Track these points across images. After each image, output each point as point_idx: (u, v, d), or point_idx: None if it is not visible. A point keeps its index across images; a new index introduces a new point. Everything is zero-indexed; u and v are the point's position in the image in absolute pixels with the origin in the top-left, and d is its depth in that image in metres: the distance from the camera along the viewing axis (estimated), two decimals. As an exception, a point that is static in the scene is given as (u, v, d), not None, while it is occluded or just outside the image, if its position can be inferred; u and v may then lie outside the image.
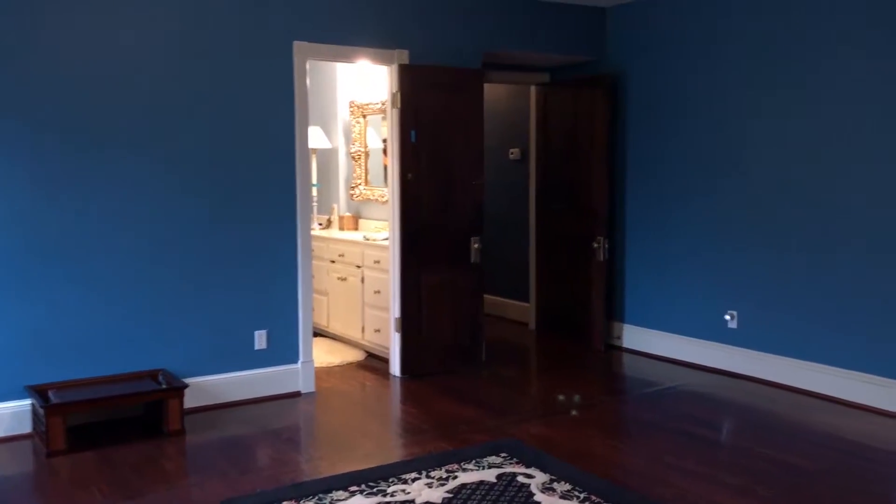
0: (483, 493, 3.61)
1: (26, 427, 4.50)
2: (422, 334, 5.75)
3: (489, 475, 3.81)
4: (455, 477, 3.79)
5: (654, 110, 6.26)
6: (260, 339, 5.18)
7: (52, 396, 4.38)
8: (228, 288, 5.05)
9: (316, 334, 6.31)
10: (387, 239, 6.02)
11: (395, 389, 5.53)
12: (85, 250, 4.61)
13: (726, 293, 5.77)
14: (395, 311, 5.74)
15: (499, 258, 7.45)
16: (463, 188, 5.82)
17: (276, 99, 5.16)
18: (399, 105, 5.59)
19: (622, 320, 6.63)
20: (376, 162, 7.30)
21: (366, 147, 7.40)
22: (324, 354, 6.27)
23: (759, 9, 5.45)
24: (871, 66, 4.82)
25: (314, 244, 6.54)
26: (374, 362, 6.17)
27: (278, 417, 4.90)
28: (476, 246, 5.84)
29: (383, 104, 6.91)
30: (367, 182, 7.37)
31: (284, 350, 5.28)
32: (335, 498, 3.57)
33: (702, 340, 5.95)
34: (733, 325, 5.72)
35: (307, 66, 5.29)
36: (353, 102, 7.48)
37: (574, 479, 3.74)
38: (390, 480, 3.76)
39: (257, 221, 5.13)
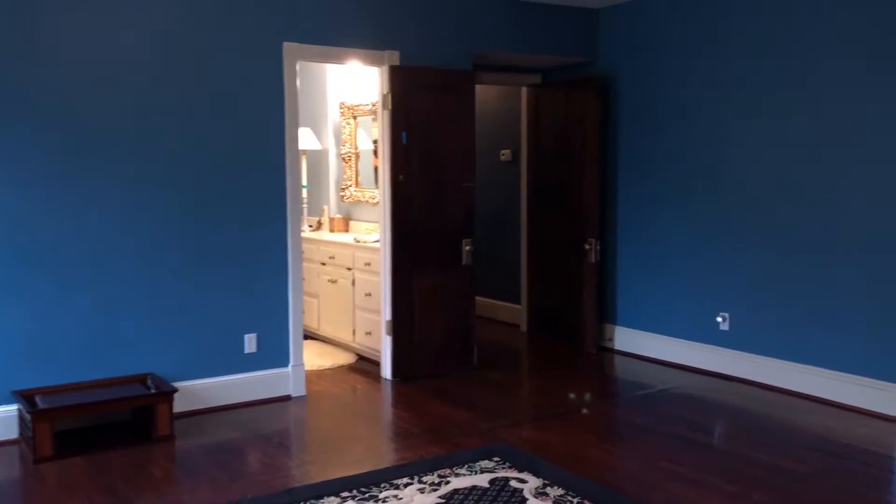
0: (476, 498, 3.58)
1: (13, 433, 4.44)
2: (413, 337, 5.72)
3: (482, 480, 3.78)
4: (447, 482, 3.76)
5: (646, 111, 6.25)
6: (250, 343, 5.14)
7: (39, 401, 4.32)
8: (218, 291, 5.01)
9: (306, 337, 6.27)
10: (378, 241, 5.99)
11: (387, 393, 5.50)
12: (72, 253, 4.56)
13: (718, 295, 5.76)
14: (387, 313, 5.70)
15: (490, 260, 7.42)
16: (454, 190, 5.78)
17: (267, 100, 5.11)
18: (390, 106, 5.55)
19: (614, 322, 6.61)
20: (367, 163, 7.26)
21: (356, 148, 7.36)
22: (314, 357, 6.22)
23: (751, 10, 5.44)
24: (869, 67, 4.81)
25: (304, 246, 6.50)
26: (365, 365, 6.14)
27: (269, 422, 4.86)
28: (467, 248, 5.81)
29: (374, 105, 6.87)
30: (357, 184, 7.34)
31: (275, 353, 5.24)
32: (326, 504, 3.54)
33: (694, 342, 5.94)
34: (725, 326, 5.72)
35: (297, 67, 5.24)
36: (343, 103, 7.44)
37: (567, 484, 3.72)
38: (382, 486, 3.72)
39: (247, 223, 5.09)
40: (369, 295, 6.09)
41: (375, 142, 6.89)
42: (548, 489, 3.66)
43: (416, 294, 5.70)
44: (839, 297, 5.00)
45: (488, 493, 3.63)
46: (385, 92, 5.58)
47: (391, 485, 3.73)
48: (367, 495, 3.62)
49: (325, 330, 6.82)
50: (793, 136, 5.22)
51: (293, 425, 4.92)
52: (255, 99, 5.07)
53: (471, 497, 3.59)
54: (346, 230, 7.24)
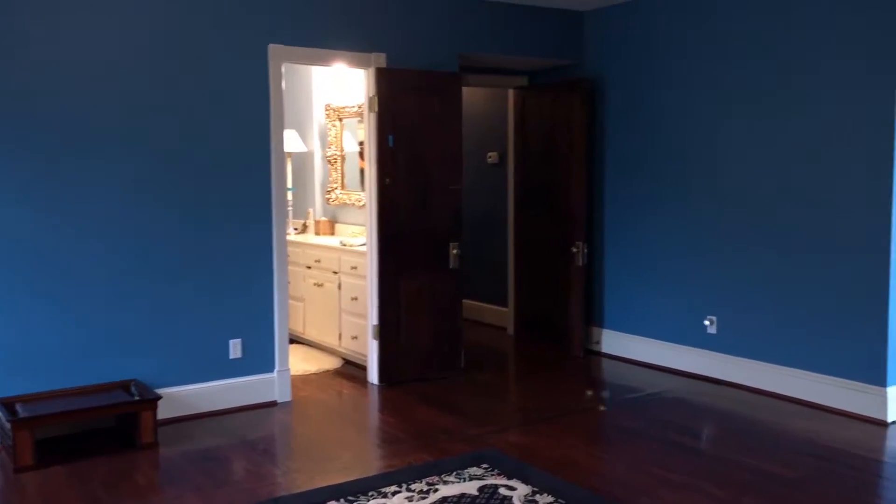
0: (465, 506, 3.55)
1: (-7, 441, 4.37)
2: (400, 341, 5.68)
3: (471, 487, 3.74)
4: (436, 490, 3.72)
5: (632, 114, 6.24)
6: (235, 348, 5.08)
7: (20, 409, 4.24)
8: (202, 295, 4.95)
9: (291, 341, 6.21)
10: (364, 244, 5.94)
11: (373, 398, 5.45)
12: (52, 258, 4.48)
13: (705, 298, 5.75)
14: (373, 317, 5.66)
15: (477, 262, 7.40)
16: (441, 193, 5.75)
17: (252, 103, 5.06)
18: (376, 109, 5.51)
19: (601, 325, 6.60)
20: (353, 166, 7.22)
21: (342, 151, 7.31)
22: (300, 362, 6.17)
23: (738, 13, 5.44)
24: (852, 69, 4.82)
25: (290, 249, 6.45)
26: (352, 370, 6.09)
27: (254, 428, 4.80)
28: (455, 251, 5.78)
29: (360, 107, 6.83)
30: (343, 186, 7.29)
31: (260, 359, 5.18)
32: (313, 513, 3.50)
33: (681, 346, 5.93)
34: (712, 330, 5.71)
35: (282, 69, 5.19)
36: (328, 105, 7.39)
37: (556, 491, 3.69)
38: (370, 494, 3.68)
39: (231, 227, 5.03)
40: (355, 299, 6.04)
41: (361, 144, 6.86)
42: (537, 496, 3.63)
43: (402, 298, 5.66)
44: (826, 301, 5.00)
45: (477, 501, 3.60)
46: (371, 94, 5.53)
47: (379, 493, 3.69)
48: (354, 504, 3.58)
49: (311, 334, 6.76)
50: (781, 138, 5.21)
51: (279, 432, 4.87)
52: (240, 101, 5.02)
53: (459, 505, 3.56)
54: (332, 233, 7.18)
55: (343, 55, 5.41)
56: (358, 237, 6.48)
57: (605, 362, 6.37)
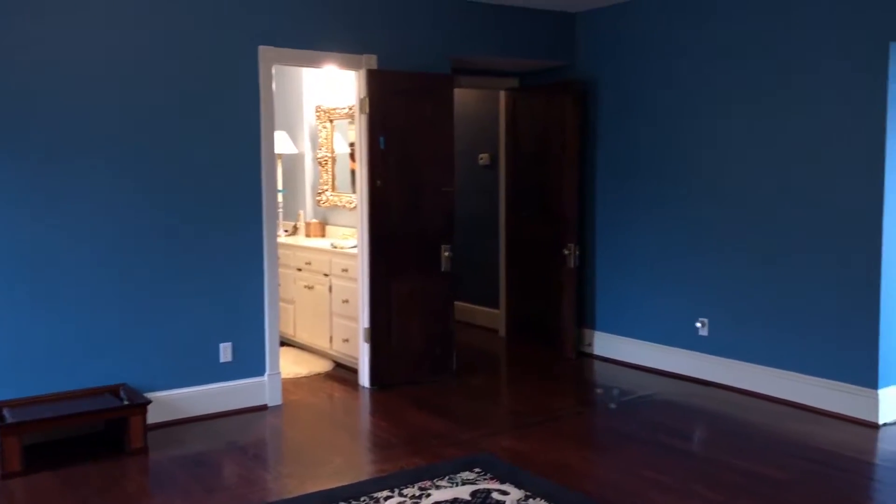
0: (457, 511, 3.53)
1: (-20, 447, 4.32)
2: (391, 344, 5.65)
3: (463, 492, 3.72)
4: (428, 494, 3.70)
5: (624, 115, 6.23)
6: (225, 352, 5.05)
7: (7, 415, 4.20)
8: (192, 299, 4.91)
9: (282, 343, 6.17)
10: (355, 247, 5.91)
11: (365, 401, 5.43)
12: (40, 262, 4.44)
13: (697, 300, 5.75)
14: (364, 320, 5.63)
15: (468, 264, 7.38)
16: (433, 195, 5.73)
17: (242, 104, 5.02)
18: (367, 111, 5.48)
19: (593, 327, 6.59)
20: (343, 167, 7.18)
21: (333, 152, 7.28)
22: (291, 365, 6.13)
23: (729, 15, 5.44)
24: (843, 74, 4.83)
25: (280, 252, 6.40)
26: (343, 373, 6.06)
27: (245, 432, 4.77)
28: (447, 254, 5.75)
29: (351, 109, 6.80)
30: (334, 188, 7.25)
31: (250, 362, 5.14)
32: (305, 519, 3.47)
33: (673, 348, 5.93)
34: (704, 332, 5.71)
35: (273, 71, 5.16)
36: (319, 107, 7.36)
37: (550, 495, 3.67)
38: (362, 499, 3.66)
39: (222, 230, 4.99)
40: (347, 301, 6.01)
41: (352, 145, 6.82)
42: (530, 501, 3.62)
43: (394, 300, 5.64)
44: (817, 303, 5.00)
45: (470, 505, 3.59)
46: (362, 96, 5.51)
47: (371, 498, 3.67)
48: (346, 509, 3.55)
49: (302, 337, 6.73)
50: (772, 139, 5.22)
51: (270, 436, 4.84)
52: (231, 103, 4.98)
53: (452, 510, 3.54)
54: (323, 235, 7.15)
55: (334, 57, 5.39)
56: (349, 239, 6.45)
57: (598, 364, 6.36)
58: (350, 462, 4.31)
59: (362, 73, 5.49)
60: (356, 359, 5.82)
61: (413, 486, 3.80)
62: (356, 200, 5.76)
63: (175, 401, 4.85)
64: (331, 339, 6.29)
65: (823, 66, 4.91)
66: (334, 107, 7.16)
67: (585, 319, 6.63)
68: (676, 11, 5.79)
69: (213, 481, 4.00)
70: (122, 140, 4.63)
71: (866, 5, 4.68)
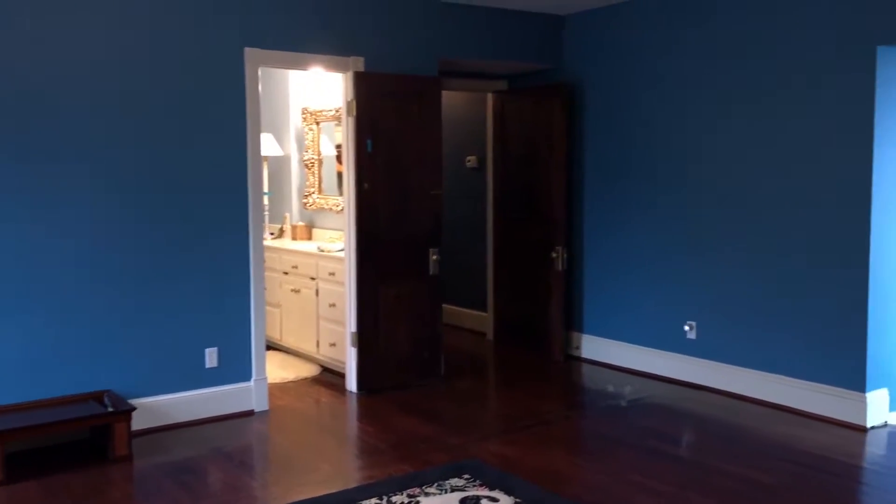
0: (447, 519, 3.50)
1: (-39, 455, 4.24)
2: (379, 349, 5.61)
3: (452, 500, 3.69)
4: (417, 502, 3.67)
5: (612, 118, 6.22)
6: (211, 357, 4.99)
7: (-11, 423, 4.14)
8: (177, 303, 4.85)
9: (268, 347, 6.11)
10: (342, 250, 5.87)
11: (352, 406, 5.38)
12: (23, 266, 4.37)
13: (685, 304, 5.74)
14: (352, 325, 5.59)
15: (456, 267, 7.34)
16: (421, 198, 5.69)
17: (228, 107, 4.97)
18: (355, 113, 5.44)
19: (581, 330, 6.57)
20: (330, 170, 7.14)
21: (319, 155, 7.23)
22: (277, 369, 6.08)
23: (718, 18, 5.44)
24: (832, 78, 4.83)
25: (266, 255, 6.36)
26: (330, 377, 6.01)
27: (231, 438, 4.71)
28: (435, 257, 5.72)
29: (337, 111, 6.76)
30: (320, 191, 7.21)
31: (236, 367, 5.09)
32: (293, 528, 3.43)
33: (661, 351, 5.92)
34: (692, 335, 5.70)
35: (259, 73, 5.11)
36: (305, 109, 7.31)
37: (539, 502, 3.65)
38: (350, 507, 3.62)
39: (208, 233, 4.94)
40: (333, 305, 5.97)
41: (339, 147, 6.78)
42: (520, 508, 3.59)
43: (381, 304, 5.60)
44: (806, 306, 5.00)
45: (459, 513, 3.55)
46: (350, 98, 5.47)
47: (359, 506, 3.63)
48: (334, 518, 3.51)
49: (288, 341, 6.68)
50: (761, 143, 5.22)
51: (256, 442, 4.79)
52: (216, 105, 4.93)
53: (441, 518, 3.51)
54: (310, 238, 7.10)
55: (321, 59, 5.34)
56: (336, 242, 6.41)
57: (586, 367, 6.34)
58: (337, 469, 4.27)
59: (349, 75, 5.45)
60: (343, 363, 5.78)
61: (401, 494, 3.76)
62: (343, 203, 5.71)
63: (160, 407, 4.79)
64: (317, 343, 6.24)
65: (813, 70, 4.91)
66: (321, 109, 7.11)
67: (573, 322, 6.61)
68: (665, 14, 5.78)
69: (198, 489, 3.95)
70: (106, 142, 4.57)
71: (854, 9, 4.68)
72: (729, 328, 5.46)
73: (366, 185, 5.48)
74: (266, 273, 6.10)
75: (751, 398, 5.31)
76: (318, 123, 7.21)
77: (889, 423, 4.84)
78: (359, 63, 5.46)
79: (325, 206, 7.05)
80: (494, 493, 3.75)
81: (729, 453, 4.38)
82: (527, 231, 6.69)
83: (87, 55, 4.50)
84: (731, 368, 5.45)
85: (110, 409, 4.38)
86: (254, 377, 5.14)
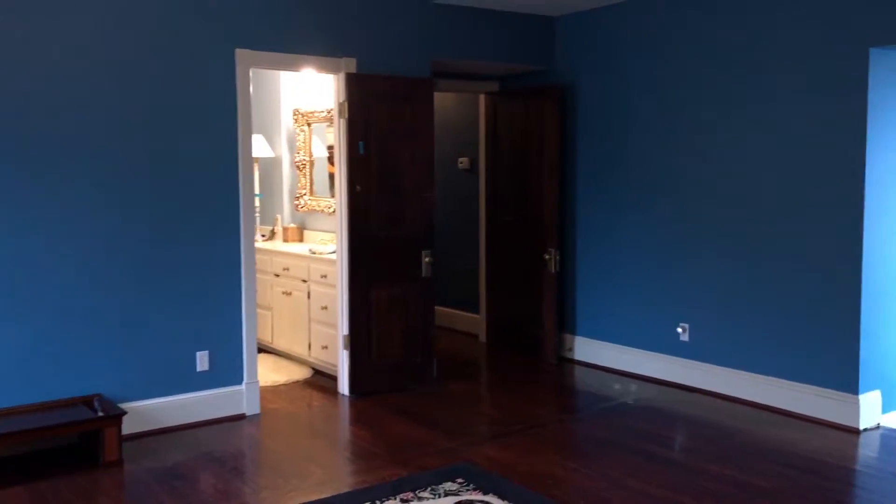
0: (441, 524, 3.48)
1: (-52, 461, 4.20)
2: (371, 351, 5.58)
3: (446, 504, 3.67)
4: (411, 507, 3.65)
5: (604, 120, 6.21)
6: (202, 360, 4.95)
7: (-23, 428, 4.09)
8: (168, 306, 4.81)
9: (259, 350, 6.08)
10: (334, 252, 5.84)
11: (344, 410, 5.35)
12: (11, 270, 4.32)
13: (678, 305, 5.73)
14: (344, 327, 5.56)
15: (448, 269, 7.32)
16: (413, 200, 5.67)
17: (218, 109, 4.94)
18: (346, 115, 5.41)
19: (574, 332, 6.56)
20: (322, 171, 7.10)
21: (311, 156, 7.20)
22: (269, 372, 6.05)
23: (710, 19, 5.43)
24: (825, 80, 4.83)
25: (257, 257, 6.32)
26: (322, 380, 5.98)
27: (222, 443, 4.68)
28: (427, 260, 5.70)
29: (329, 112, 6.73)
30: (312, 192, 7.17)
31: (228, 371, 5.06)
32: (285, 534, 3.40)
33: (654, 353, 5.91)
34: (685, 337, 5.69)
35: (250, 74, 5.08)
36: (297, 110, 7.27)
37: (534, 507, 3.63)
38: (343, 513, 3.59)
39: (198, 236, 4.90)
40: (325, 308, 5.94)
41: (330, 148, 6.75)
42: (514, 513, 3.57)
43: (374, 307, 5.57)
44: (799, 308, 5.00)
45: (453, 518, 3.53)
46: (342, 100, 5.44)
47: (352, 511, 3.61)
48: (327, 524, 3.49)
49: (279, 343, 6.64)
50: (754, 144, 5.21)
51: (248, 447, 4.75)
52: (207, 107, 4.89)
53: (435, 523, 3.48)
54: (301, 240, 7.07)
55: (312, 60, 5.31)
56: (328, 244, 6.38)
57: (579, 370, 6.33)
58: (330, 473, 4.24)
59: (341, 76, 5.42)
60: (335, 366, 5.74)
61: (395, 498, 3.74)
62: (335, 205, 5.68)
63: (151, 411, 4.75)
64: (309, 345, 6.21)
65: (806, 71, 4.91)
66: (312, 110, 7.08)
67: (566, 324, 6.60)
68: (656, 16, 5.78)
69: (190, 494, 3.91)
70: (96, 146, 4.53)
71: (847, 11, 4.68)
72: (722, 330, 5.45)
73: (358, 187, 5.45)
74: (257, 275, 6.06)
75: (744, 400, 5.31)
76: (309, 125, 7.17)
77: (882, 425, 4.85)
78: (351, 64, 5.43)
79: (317, 208, 7.01)
80: (488, 498, 3.73)
81: (722, 456, 4.37)
82: (519, 233, 6.67)
83: (77, 56, 4.45)
84: (724, 370, 5.45)
85: (100, 414, 4.34)
86: (245, 380, 5.11)
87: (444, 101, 7.43)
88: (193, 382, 4.93)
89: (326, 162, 7.00)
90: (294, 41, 5.21)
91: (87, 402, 4.50)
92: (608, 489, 3.92)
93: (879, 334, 4.84)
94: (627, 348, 6.11)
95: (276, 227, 7.35)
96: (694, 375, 5.63)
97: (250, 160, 5.10)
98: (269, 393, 5.59)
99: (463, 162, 7.47)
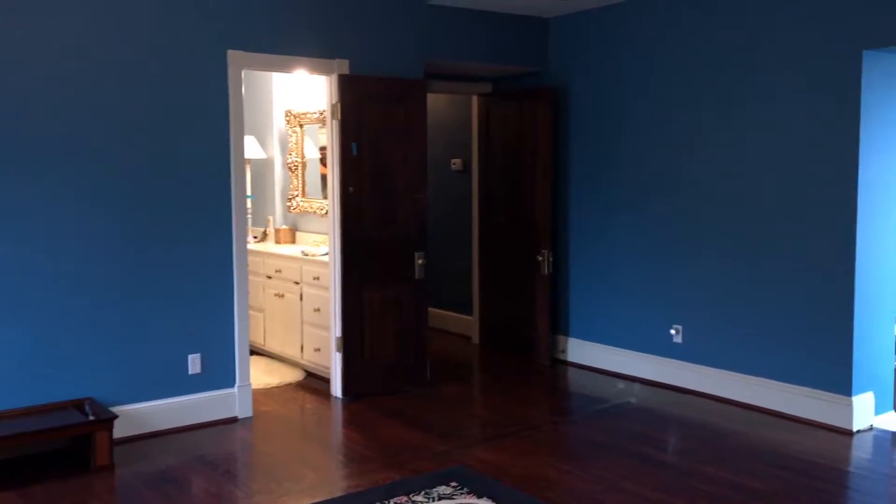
0: (435, 528, 3.46)
1: (-63, 466, 4.16)
2: (364, 354, 5.56)
3: (440, 508, 3.66)
4: (405, 511, 3.63)
5: (597, 121, 6.21)
6: (194, 363, 4.92)
7: (-33, 432, 4.05)
8: (160, 309, 4.78)
9: (251, 352, 6.04)
10: (326, 254, 5.82)
11: (337, 412, 5.33)
12: (0, 273, 4.29)
13: (671, 307, 5.73)
14: (336, 330, 5.53)
15: (441, 270, 7.30)
16: (406, 201, 5.65)
17: (211, 110, 4.91)
18: (339, 116, 5.39)
19: (567, 334, 6.55)
20: (314, 173, 7.08)
21: (303, 157, 7.17)
22: (261, 375, 6.02)
23: (703, 21, 5.43)
24: (818, 82, 4.84)
25: (249, 259, 6.27)
26: (315, 382, 5.95)
27: (215, 446, 4.65)
28: (420, 262, 5.68)
29: (321, 113, 6.71)
30: (304, 194, 7.15)
31: (220, 374, 5.03)
32: (278, 539, 3.38)
33: (647, 355, 5.91)
34: (678, 339, 5.69)
35: (242, 75, 5.05)
36: (289, 111, 7.25)
37: (528, 510, 3.62)
38: (337, 517, 3.58)
39: (190, 238, 4.87)
40: (318, 310, 5.91)
41: (323, 150, 6.74)
42: (508, 517, 3.56)
43: (366, 309, 5.55)
44: (792, 310, 5.00)
45: (447, 522, 3.52)
46: (334, 101, 5.42)
47: (346, 516, 3.59)
48: (321, 528, 3.47)
49: (272, 345, 6.61)
50: (749, 146, 5.21)
51: (240, 450, 4.72)
52: (199, 108, 4.86)
53: (429, 527, 3.47)
54: (293, 241, 7.04)
55: (305, 62, 5.29)
56: (320, 246, 6.35)
57: (572, 371, 6.32)
58: (323, 477, 4.21)
59: (334, 77, 5.40)
60: (328, 368, 5.72)
61: (388, 502, 3.72)
62: (327, 206, 5.66)
63: (142, 414, 4.72)
64: (302, 348, 6.18)
65: (799, 74, 4.91)
66: (304, 111, 7.05)
67: (559, 326, 6.59)
68: (649, 18, 5.77)
69: (182, 499, 3.89)
70: (86, 147, 4.50)
71: (840, 14, 4.69)
72: (715, 332, 5.45)
73: (351, 189, 5.43)
74: (249, 277, 6.02)
75: (737, 402, 5.31)
76: (301, 126, 7.15)
77: (875, 426, 4.85)
78: (343, 65, 5.41)
79: (309, 210, 6.99)
80: (482, 501, 3.72)
81: (716, 458, 4.37)
82: (512, 234, 6.66)
83: (63, 58, 4.42)
84: (717, 372, 5.45)
85: (91, 418, 4.30)
86: (237, 383, 5.08)
87: (436, 102, 7.42)
88: (185, 385, 4.90)
89: (318, 163, 6.98)
90: (287, 42, 5.18)
91: (78, 405, 4.46)
92: (603, 492, 3.92)
93: (873, 336, 4.85)
94: (621, 350, 6.10)
95: (268, 229, 7.32)
96: (687, 377, 5.63)
97: (242, 161, 5.08)
98: (261, 395, 5.56)
99: (456, 163, 7.46)
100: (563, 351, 6.56)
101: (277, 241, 7.06)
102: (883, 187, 4.82)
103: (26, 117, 4.32)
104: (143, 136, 4.68)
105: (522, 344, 6.63)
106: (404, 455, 4.42)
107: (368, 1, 5.50)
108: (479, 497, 3.77)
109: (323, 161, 6.87)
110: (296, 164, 7.19)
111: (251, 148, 7.09)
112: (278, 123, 7.38)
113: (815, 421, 4.90)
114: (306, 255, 6.14)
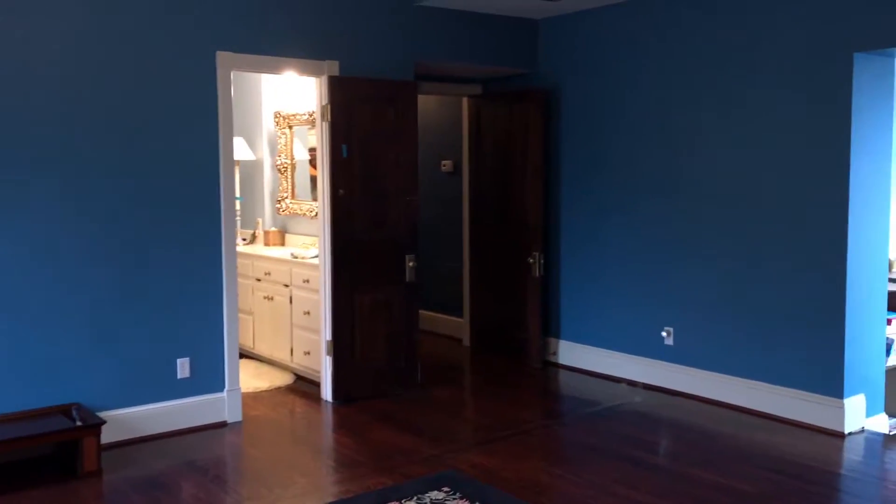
0: (427, 534, 3.43)
1: (-78, 472, 4.11)
2: (354, 357, 5.53)
3: (432, 514, 3.63)
4: (396, 517, 3.60)
5: (588, 123, 6.19)
6: (183, 367, 4.88)
7: (-49, 439, 3.99)
8: (148, 313, 4.73)
9: (240, 355, 5.99)
10: (316, 257, 5.78)
11: (328, 416, 5.29)
12: (-12, 277, 4.24)
13: (663, 309, 5.72)
14: (327, 333, 5.50)
15: (431, 272, 7.27)
16: (397, 204, 5.62)
17: (199, 112, 4.86)
18: (329, 118, 5.36)
19: (558, 336, 6.54)
20: (303, 174, 7.04)
21: (292, 159, 7.13)
22: (250, 378, 5.97)
23: (695, 22, 5.42)
24: (810, 84, 4.83)
25: (238, 261, 6.22)
26: (305, 386, 5.91)
27: (204, 451, 4.61)
28: (411, 264, 5.65)
29: (311, 115, 6.67)
30: (293, 196, 7.11)
31: (209, 378, 4.98)
32: (269, 546, 3.34)
33: (639, 357, 5.90)
34: (670, 341, 5.68)
35: (231, 77, 5.01)
36: (278, 113, 7.20)
37: (521, 515, 3.59)
38: (327, 523, 3.54)
39: (179, 241, 4.82)
40: (308, 313, 5.87)
41: (312, 151, 6.70)
42: (501, 522, 3.53)
43: (357, 312, 5.52)
44: (783, 312, 5.00)
45: (439, 528, 3.49)
46: (324, 103, 5.38)
47: (337, 522, 3.55)
48: (311, 535, 3.43)
49: (261, 349, 6.56)
50: (741, 148, 5.21)
51: (230, 455, 4.68)
52: (187, 110, 4.82)
53: (421, 533, 3.44)
54: (283, 244, 7.00)
55: (294, 63, 5.25)
56: (310, 248, 6.31)
57: (563, 374, 6.30)
58: (313, 482, 4.18)
59: (324, 79, 5.37)
60: (318, 372, 5.68)
61: (380, 508, 3.69)
62: (317, 208, 5.62)
63: (131, 419, 4.67)
64: (292, 351, 6.14)
65: (790, 76, 4.91)
66: (294, 112, 7.01)
67: (550, 328, 6.57)
68: (639, 19, 5.76)
69: (170, 505, 3.85)
70: (74, 150, 4.45)
71: (831, 16, 4.69)
72: (707, 334, 5.45)
73: (341, 191, 5.40)
74: (238, 280, 5.98)
75: (729, 404, 5.30)
76: (290, 127, 7.11)
77: (866, 428, 4.85)
78: (333, 67, 5.37)
79: (299, 212, 6.95)
80: (475, 507, 3.70)
81: (707, 461, 4.36)
82: (503, 236, 6.64)
83: (53, 58, 4.37)
84: (708, 374, 5.44)
85: (79, 424, 4.25)
86: (227, 387, 5.04)
87: (427, 103, 7.39)
88: (174, 390, 4.85)
89: (308, 165, 6.94)
90: (276, 44, 5.14)
91: (65, 410, 4.41)
92: (595, 496, 3.90)
93: (864, 338, 4.85)
94: (612, 352, 6.09)
95: (257, 231, 7.28)
96: (679, 379, 5.62)
97: (231, 163, 5.04)
98: (250, 399, 5.52)
99: (446, 165, 7.43)
100: (555, 353, 6.54)
101: (267, 244, 7.02)
102: (874, 189, 4.82)
103: (9, 120, 4.26)
104: (131, 138, 4.63)
105: (514, 346, 6.61)
106: (395, 459, 4.39)
107: (358, 2, 5.47)
108: (472, 502, 3.74)
109: (312, 163, 6.83)
110: (285, 165, 7.15)
111: (240, 149, 7.05)
112: (267, 125, 7.33)
113: (806, 423, 4.90)
114: (296, 257, 6.10)
